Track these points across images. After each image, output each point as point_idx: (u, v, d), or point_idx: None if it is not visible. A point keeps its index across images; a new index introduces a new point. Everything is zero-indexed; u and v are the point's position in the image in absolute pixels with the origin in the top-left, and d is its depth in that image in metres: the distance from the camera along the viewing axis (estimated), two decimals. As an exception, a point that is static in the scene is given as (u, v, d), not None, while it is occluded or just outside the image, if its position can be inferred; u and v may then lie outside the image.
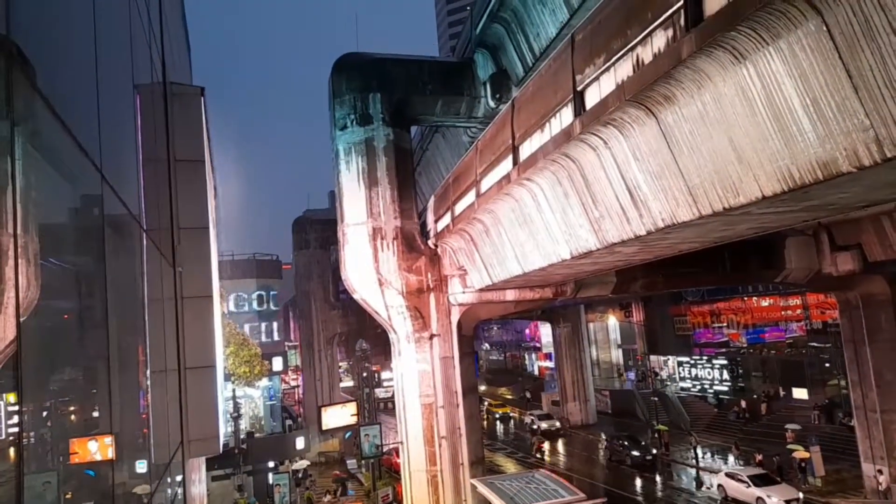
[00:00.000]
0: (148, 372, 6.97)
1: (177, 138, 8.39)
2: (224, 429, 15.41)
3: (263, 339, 49.73)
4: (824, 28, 5.55)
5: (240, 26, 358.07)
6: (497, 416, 50.44)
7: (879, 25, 5.15)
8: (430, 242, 21.03)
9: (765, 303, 42.95)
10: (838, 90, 5.78)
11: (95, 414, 4.66)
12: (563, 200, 11.73)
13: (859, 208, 10.15)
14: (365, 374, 43.17)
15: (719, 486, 27.13)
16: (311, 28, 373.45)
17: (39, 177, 3.45)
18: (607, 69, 8.65)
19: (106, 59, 4.93)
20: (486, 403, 51.67)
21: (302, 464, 32.53)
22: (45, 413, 3.62)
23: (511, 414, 50.59)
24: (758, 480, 25.34)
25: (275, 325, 53.15)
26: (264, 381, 41.50)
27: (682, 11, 6.78)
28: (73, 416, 4.28)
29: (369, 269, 20.56)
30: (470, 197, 16.06)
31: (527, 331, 67.69)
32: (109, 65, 5.13)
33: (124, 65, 5.83)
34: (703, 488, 28.66)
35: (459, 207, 17.29)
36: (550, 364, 57.14)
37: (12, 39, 2.86)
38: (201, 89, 9.32)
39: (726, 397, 41.20)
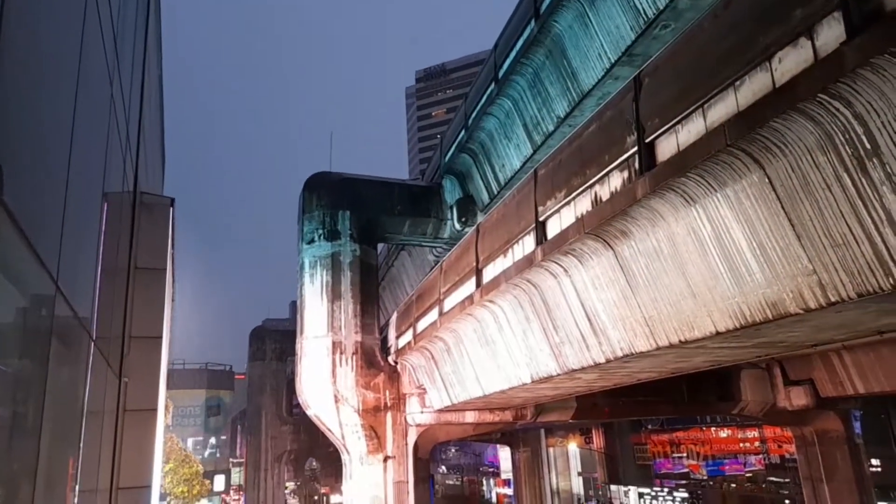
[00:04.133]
0: (77, 489, 6.44)
1: (140, 247, 8.33)
2: (153, 557, 14.05)
3: (207, 454, 46.85)
4: (766, 180, 5.99)
5: (212, 136, 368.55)
6: None
7: (815, 181, 5.59)
8: (391, 359, 20.69)
9: (723, 434, 42.64)
10: (782, 236, 6.14)
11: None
12: (524, 324, 11.82)
13: (809, 347, 10.46)
14: (315, 497, 40.67)
15: None
16: (283, 142, 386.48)
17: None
18: (567, 203, 9.08)
19: (78, 170, 4.99)
20: None
21: None
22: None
23: None
24: None
25: (221, 439, 50.35)
26: (203, 502, 38.64)
27: (637, 157, 7.27)
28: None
29: (326, 385, 19.96)
30: (433, 315, 16.06)
31: (487, 453, 65.24)
32: (81, 175, 5.18)
33: (96, 176, 5.89)
34: None
35: (422, 325, 17.22)
36: (509, 491, 54.62)
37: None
38: (171, 200, 9.41)
39: (688, 534, 39.74)
